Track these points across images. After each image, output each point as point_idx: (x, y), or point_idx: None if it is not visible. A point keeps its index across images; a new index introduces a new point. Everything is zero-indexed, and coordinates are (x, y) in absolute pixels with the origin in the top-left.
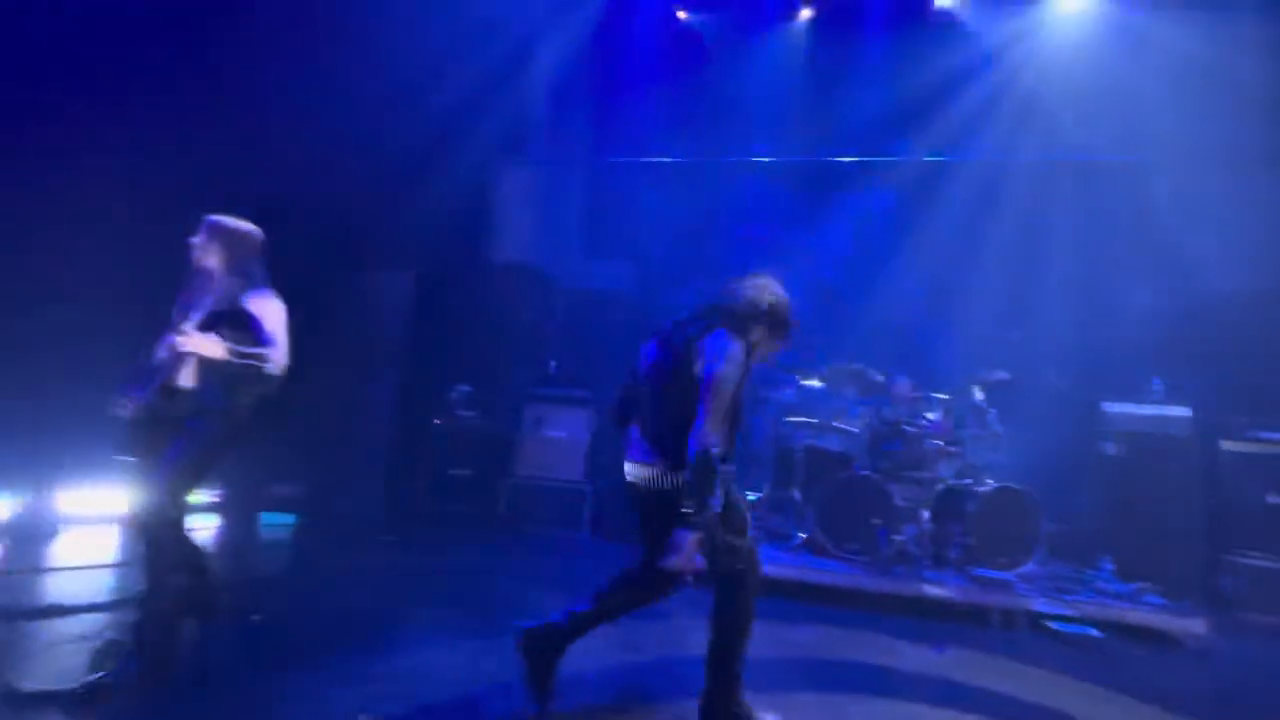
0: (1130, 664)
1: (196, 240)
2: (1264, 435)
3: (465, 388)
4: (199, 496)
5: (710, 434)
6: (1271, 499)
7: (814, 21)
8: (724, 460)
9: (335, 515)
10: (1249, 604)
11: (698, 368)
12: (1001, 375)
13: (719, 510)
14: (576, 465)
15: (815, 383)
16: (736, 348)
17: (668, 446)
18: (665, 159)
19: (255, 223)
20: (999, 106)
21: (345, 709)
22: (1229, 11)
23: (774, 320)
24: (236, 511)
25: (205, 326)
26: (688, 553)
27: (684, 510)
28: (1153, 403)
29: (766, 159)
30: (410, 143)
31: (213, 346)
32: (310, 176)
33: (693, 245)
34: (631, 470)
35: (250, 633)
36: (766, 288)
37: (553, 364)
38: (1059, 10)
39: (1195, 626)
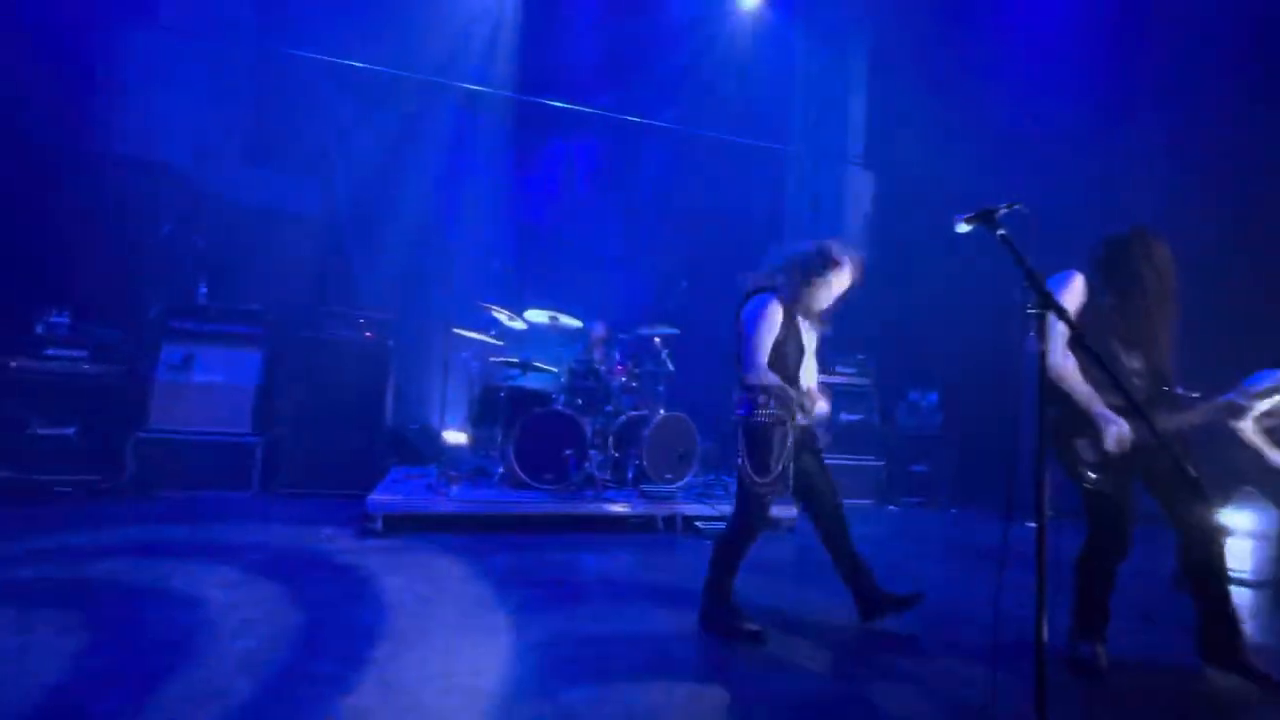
0: None
1: None
2: (839, 369)
3: (62, 318)
4: None
5: (754, 376)
6: (845, 418)
7: None
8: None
9: None
10: None
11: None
12: (672, 330)
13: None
14: (241, 415)
15: (519, 325)
16: (767, 306)
17: (739, 397)
18: (357, 63)
19: None
20: (687, 81)
21: None
22: (849, 44)
23: (802, 269)
24: None
25: None
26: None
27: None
28: None
29: (474, 87)
30: None
31: None
32: None
33: (390, 170)
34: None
35: None
36: (800, 247)
37: (203, 292)
38: (739, 7)
39: (791, 512)
